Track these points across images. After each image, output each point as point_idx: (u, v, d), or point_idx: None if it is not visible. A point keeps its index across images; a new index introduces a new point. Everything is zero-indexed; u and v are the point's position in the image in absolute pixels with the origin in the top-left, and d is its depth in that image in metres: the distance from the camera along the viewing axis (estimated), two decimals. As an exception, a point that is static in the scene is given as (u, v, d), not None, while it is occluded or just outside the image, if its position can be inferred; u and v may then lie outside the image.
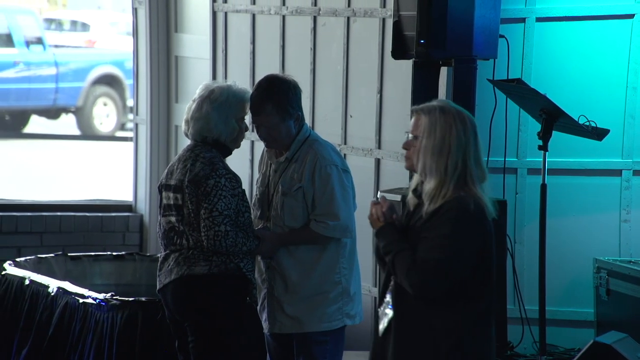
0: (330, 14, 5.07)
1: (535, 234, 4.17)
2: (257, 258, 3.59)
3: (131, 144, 6.37)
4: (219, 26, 5.70)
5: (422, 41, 4.09)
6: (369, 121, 4.91)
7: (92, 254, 5.14)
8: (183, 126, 3.60)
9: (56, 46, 12.12)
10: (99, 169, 10.07)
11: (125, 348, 4.08)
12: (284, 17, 5.31)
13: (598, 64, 4.64)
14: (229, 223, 3.45)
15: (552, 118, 4.05)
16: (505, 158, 4.56)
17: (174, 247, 3.54)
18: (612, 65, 4.63)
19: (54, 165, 10.23)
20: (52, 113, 11.79)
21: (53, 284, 4.44)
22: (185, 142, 3.68)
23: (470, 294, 2.68)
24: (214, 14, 5.72)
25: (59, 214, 5.99)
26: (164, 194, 3.59)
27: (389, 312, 2.74)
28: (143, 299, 4.20)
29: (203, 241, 3.47)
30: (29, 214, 5.96)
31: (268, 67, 5.28)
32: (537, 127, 4.16)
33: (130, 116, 9.69)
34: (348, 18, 4.98)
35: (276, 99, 3.50)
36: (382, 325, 2.76)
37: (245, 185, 3.88)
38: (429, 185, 2.70)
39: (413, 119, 2.75)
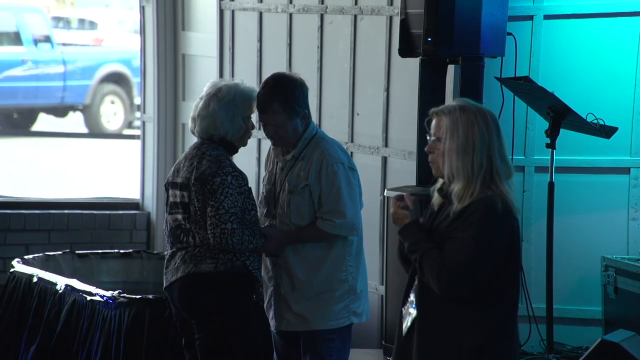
0: (337, 11, 5.06)
1: (543, 232, 4.16)
2: (263, 256, 3.59)
3: (138, 142, 6.37)
4: (226, 24, 5.70)
5: (430, 39, 4.09)
6: (375, 119, 4.90)
7: (100, 251, 5.15)
8: (190, 124, 3.60)
9: (64, 44, 12.14)
10: (107, 167, 10.09)
11: (133, 345, 4.09)
12: (291, 15, 5.31)
13: (606, 61, 4.63)
14: (236, 221, 3.45)
15: (560, 116, 4.04)
16: (512, 156, 4.54)
17: (181, 245, 3.55)
18: (620, 62, 4.61)
19: (61, 163, 10.26)
20: (60, 111, 11.81)
21: (61, 282, 4.45)
22: (192, 140, 3.68)
23: (496, 293, 2.67)
24: (221, 12, 5.72)
25: (66, 211, 6.01)
26: (170, 191, 3.59)
27: (413, 312, 2.73)
28: (150, 296, 4.21)
29: (210, 239, 3.47)
30: (36, 211, 5.98)
31: (275, 65, 5.28)
32: (545, 125, 4.15)
33: (138, 114, 9.70)
34: (355, 16, 4.97)
35: (283, 97, 3.50)
36: (406, 324, 2.75)
37: (252, 183, 3.88)
38: (457, 186, 2.69)
39: (434, 121, 2.74)
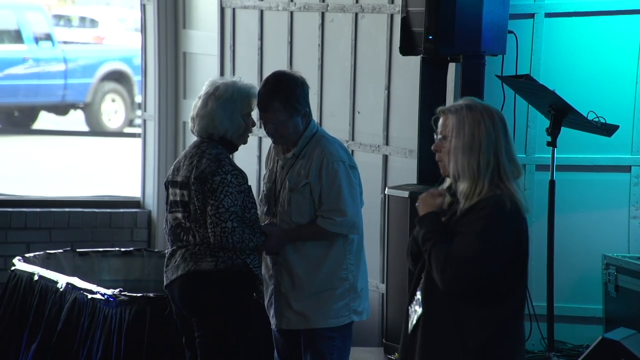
0: (338, 10, 5.06)
1: (544, 231, 4.15)
2: (263, 254, 3.59)
3: (139, 140, 6.37)
4: (226, 22, 5.69)
5: (431, 37, 4.08)
6: (376, 117, 4.90)
7: (101, 249, 5.16)
8: (190, 123, 3.60)
9: (65, 42, 12.14)
10: (107, 165, 10.09)
11: (133, 343, 4.09)
12: (291, 13, 5.30)
13: (607, 59, 4.62)
14: (236, 219, 3.45)
15: (561, 114, 4.04)
16: (514, 154, 4.54)
17: (181, 244, 3.55)
18: (622, 61, 4.61)
19: (62, 161, 10.26)
20: (61, 109, 11.82)
21: (62, 280, 4.45)
22: (193, 139, 3.68)
23: (502, 292, 2.66)
24: (222, 10, 5.72)
25: (67, 210, 6.01)
26: (170, 190, 3.59)
27: (419, 310, 2.72)
28: (151, 294, 4.21)
29: (210, 237, 3.47)
30: (37, 209, 5.98)
31: (276, 63, 5.28)
32: (546, 123, 4.14)
33: (139, 112, 9.71)
34: (356, 14, 4.97)
35: (284, 95, 3.50)
36: (412, 322, 2.74)
37: (252, 182, 3.89)
38: (463, 185, 2.68)
39: (440, 120, 2.73)
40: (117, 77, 11.76)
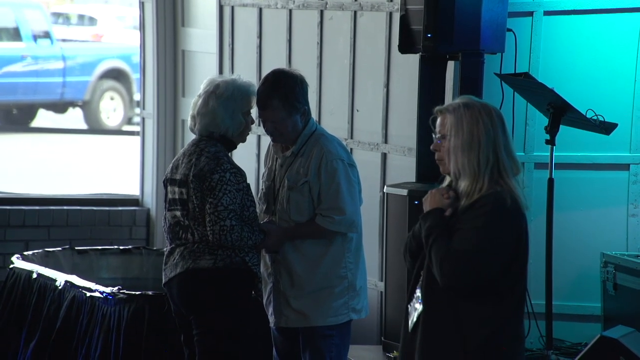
0: (337, 7, 5.06)
1: (542, 229, 4.15)
2: (262, 252, 3.59)
3: (138, 138, 6.37)
4: (225, 20, 5.69)
5: (429, 35, 4.08)
6: (375, 115, 4.90)
7: (99, 247, 5.16)
8: (189, 122, 3.59)
9: (63, 40, 12.13)
10: (106, 163, 10.08)
11: (132, 341, 4.09)
12: (290, 11, 5.30)
13: (606, 57, 4.62)
14: (234, 217, 3.45)
15: (560, 112, 4.04)
16: (512, 152, 4.54)
17: (180, 242, 3.55)
18: (620, 59, 4.61)
19: (61, 159, 10.25)
20: (60, 107, 11.81)
21: (60, 278, 4.45)
22: (191, 137, 3.68)
23: (502, 289, 2.67)
24: (221, 8, 5.71)
25: (66, 207, 6.00)
26: (169, 188, 3.59)
27: (419, 307, 2.72)
28: (150, 292, 4.21)
29: (209, 236, 3.47)
30: (36, 207, 5.98)
31: (275, 61, 5.28)
32: (545, 121, 4.14)
33: (137, 110, 9.71)
34: (355, 12, 4.97)
35: (283, 93, 3.50)
36: (412, 320, 2.74)
37: (251, 180, 3.88)
38: (464, 183, 2.68)
39: (439, 120, 2.73)
40: (116, 75, 11.75)
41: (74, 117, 11.90)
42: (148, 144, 6.21)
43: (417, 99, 4.38)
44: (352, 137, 5.02)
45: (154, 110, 6.14)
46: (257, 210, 3.60)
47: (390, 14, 4.77)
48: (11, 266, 4.75)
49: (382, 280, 4.69)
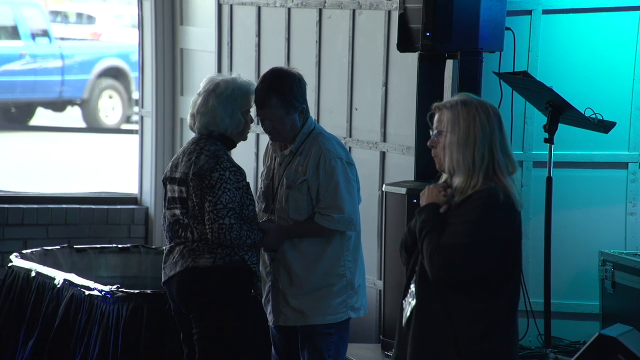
0: (335, 6, 5.06)
1: (541, 227, 4.16)
2: (261, 250, 3.59)
3: (137, 137, 6.37)
4: (224, 19, 5.69)
5: (428, 34, 4.08)
6: (374, 114, 4.90)
7: (98, 246, 5.16)
8: (189, 120, 3.59)
9: (62, 39, 12.13)
10: (105, 162, 10.08)
11: (131, 340, 4.09)
12: (289, 9, 5.30)
13: (605, 56, 4.63)
14: (234, 216, 3.45)
15: (558, 111, 4.04)
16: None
17: (179, 240, 3.55)
18: (619, 57, 4.61)
19: (59, 157, 10.25)
20: (58, 105, 11.81)
21: (59, 276, 4.45)
22: (190, 135, 3.68)
23: (495, 285, 2.66)
24: (220, 7, 5.71)
25: (64, 206, 6.00)
26: (168, 186, 3.59)
27: (413, 302, 2.73)
28: (148, 291, 4.21)
29: (208, 234, 3.47)
30: (34, 206, 5.98)
31: (273, 59, 5.27)
32: (543, 119, 4.15)
33: (136, 109, 9.70)
34: (353, 10, 4.97)
35: (281, 92, 3.50)
36: (405, 315, 2.74)
37: (250, 178, 3.88)
38: (459, 180, 2.69)
39: (436, 116, 2.74)
40: (114, 73, 11.75)
41: (73, 116, 11.90)
42: (147, 142, 6.21)
43: (415, 98, 4.38)
44: (350, 136, 5.02)
45: (152, 108, 6.14)
46: (256, 209, 3.60)
47: (389, 13, 4.77)
48: (10, 264, 4.75)
49: (380, 279, 4.70)
